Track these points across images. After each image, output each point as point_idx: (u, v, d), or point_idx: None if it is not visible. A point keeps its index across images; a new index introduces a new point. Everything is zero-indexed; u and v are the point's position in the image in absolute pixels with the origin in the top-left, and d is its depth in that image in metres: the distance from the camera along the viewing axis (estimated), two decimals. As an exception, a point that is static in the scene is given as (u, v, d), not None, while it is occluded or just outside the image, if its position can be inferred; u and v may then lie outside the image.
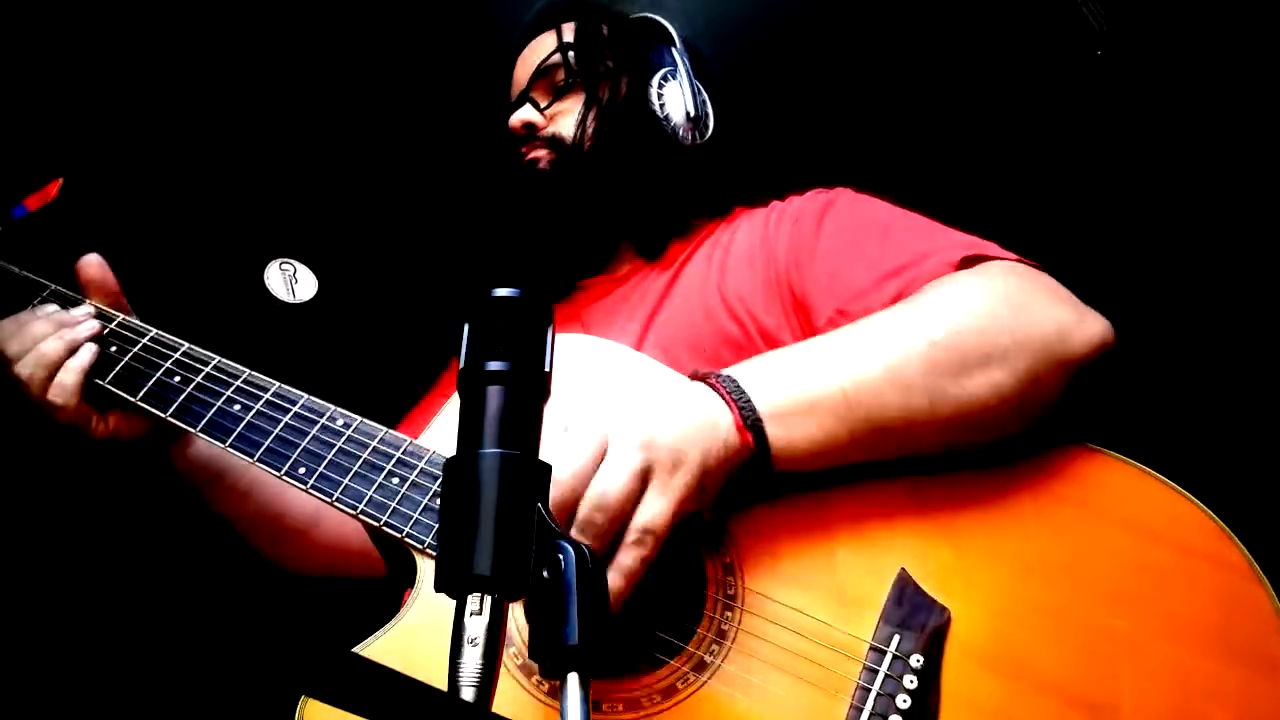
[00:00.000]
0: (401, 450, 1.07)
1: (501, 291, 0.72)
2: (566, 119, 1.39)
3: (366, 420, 1.10)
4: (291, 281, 1.36)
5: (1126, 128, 1.71)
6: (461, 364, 0.71)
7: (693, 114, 1.37)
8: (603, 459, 0.93)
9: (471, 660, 0.62)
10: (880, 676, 0.94)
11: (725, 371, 1.01)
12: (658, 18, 1.46)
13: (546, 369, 0.72)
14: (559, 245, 1.37)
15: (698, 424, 0.96)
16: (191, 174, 1.76)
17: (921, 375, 1.00)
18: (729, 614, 0.98)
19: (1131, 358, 1.09)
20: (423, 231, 1.75)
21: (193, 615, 1.50)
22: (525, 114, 1.40)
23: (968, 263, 1.10)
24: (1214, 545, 0.98)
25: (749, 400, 0.98)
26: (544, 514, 0.68)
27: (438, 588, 0.65)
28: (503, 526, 0.65)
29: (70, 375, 1.14)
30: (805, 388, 0.99)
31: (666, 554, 0.97)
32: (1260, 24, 1.62)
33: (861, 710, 0.93)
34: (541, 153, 1.39)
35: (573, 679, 0.64)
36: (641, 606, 0.99)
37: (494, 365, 0.70)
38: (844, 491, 1.02)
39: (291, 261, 1.35)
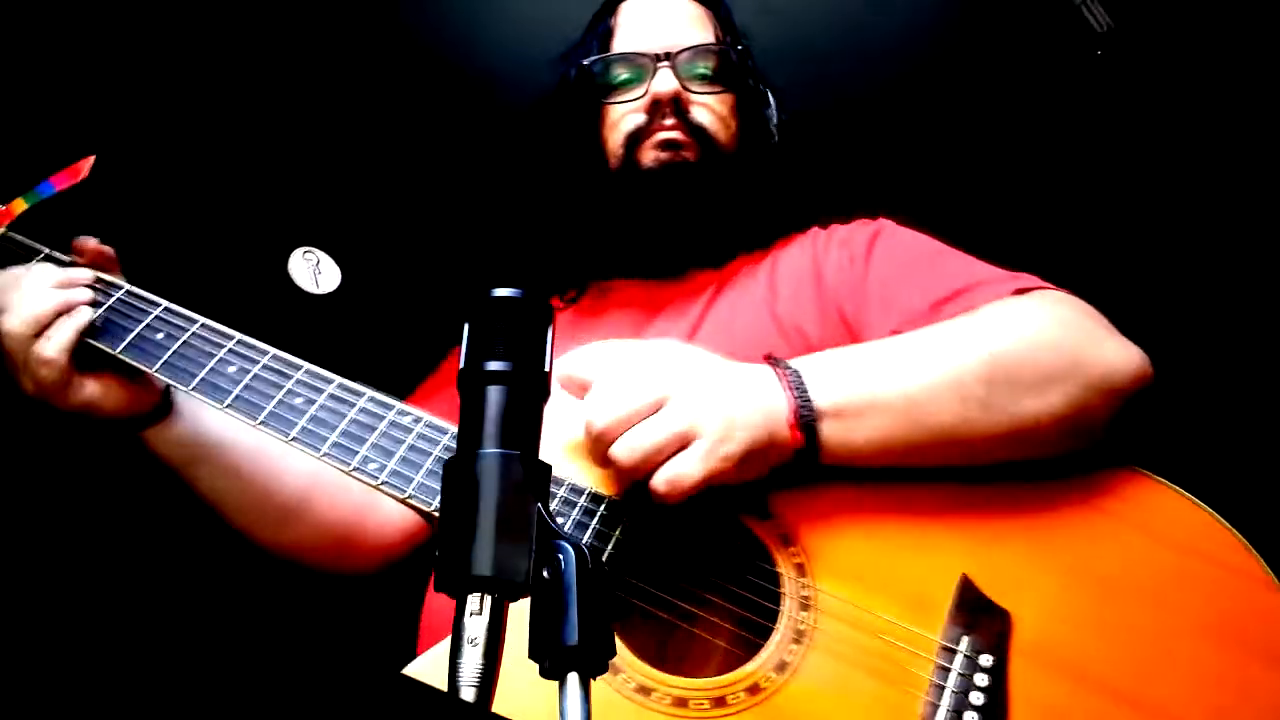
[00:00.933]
0: (449, 436, 1.08)
1: (501, 291, 0.72)
2: (710, 113, 1.37)
3: (408, 405, 1.10)
4: (315, 271, 1.35)
5: (1127, 128, 1.71)
6: (462, 364, 0.71)
7: (775, 118, 1.43)
8: (655, 412, 0.97)
9: (471, 660, 0.62)
10: (954, 674, 0.98)
11: (792, 363, 1.05)
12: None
13: (546, 369, 0.72)
14: (677, 237, 1.36)
15: (754, 410, 1.00)
16: (216, 161, 1.76)
17: (981, 386, 1.04)
18: (804, 614, 1.01)
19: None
20: (448, 220, 1.76)
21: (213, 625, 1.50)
22: (674, 86, 1.35)
23: (1019, 293, 1.14)
24: (1231, 555, 1.04)
25: (808, 397, 1.02)
26: (544, 514, 0.67)
27: (438, 588, 0.65)
28: (503, 527, 0.65)
29: (66, 331, 1.11)
30: (867, 387, 1.03)
31: (740, 559, 1.03)
32: (1260, 24, 1.62)
33: (938, 707, 0.96)
34: (682, 137, 1.35)
35: (573, 679, 0.63)
36: (717, 604, 1.04)
37: (494, 365, 0.70)
38: (899, 493, 1.07)
39: (314, 250, 1.34)
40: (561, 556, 0.68)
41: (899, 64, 1.78)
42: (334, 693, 0.57)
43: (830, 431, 1.02)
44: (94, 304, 1.16)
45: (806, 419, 1.01)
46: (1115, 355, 1.08)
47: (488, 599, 0.64)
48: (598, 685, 0.93)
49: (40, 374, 1.12)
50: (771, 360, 1.06)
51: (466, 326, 0.72)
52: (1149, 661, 0.99)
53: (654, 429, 0.97)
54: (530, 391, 0.71)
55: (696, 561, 1.06)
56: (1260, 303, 1.63)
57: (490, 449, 0.67)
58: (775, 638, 1.00)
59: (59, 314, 1.12)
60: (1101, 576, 1.03)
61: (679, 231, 1.35)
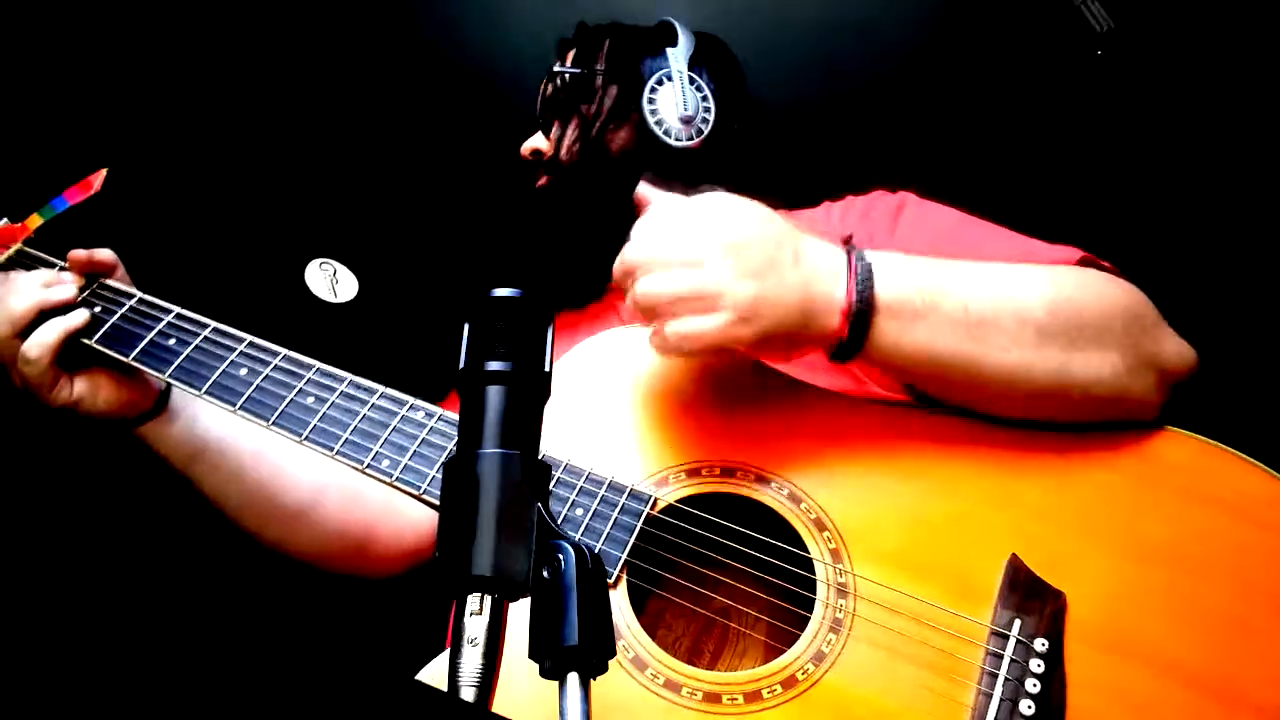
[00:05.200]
0: (436, 418, 1.07)
1: (501, 291, 0.72)
2: (566, 141, 1.44)
3: (425, 403, 1.10)
4: (333, 281, 1.35)
5: (1127, 128, 1.71)
6: (462, 364, 0.71)
7: (686, 113, 1.38)
8: (687, 267, 0.95)
9: (471, 660, 0.62)
10: (1006, 660, 0.93)
11: (866, 254, 1.01)
12: (672, 20, 1.47)
13: (546, 369, 0.72)
14: (567, 255, 1.40)
15: (795, 292, 0.97)
16: (231, 172, 1.76)
17: (1043, 320, 1.00)
18: (842, 602, 0.97)
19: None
20: (458, 231, 1.76)
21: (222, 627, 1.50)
22: (532, 141, 1.46)
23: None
24: None
25: (871, 290, 0.98)
26: (544, 514, 0.67)
27: (438, 588, 0.65)
28: (503, 527, 0.65)
29: (50, 332, 1.12)
30: (933, 289, 0.99)
31: (772, 544, 0.99)
32: (1260, 24, 1.62)
33: (991, 696, 0.92)
34: (542, 177, 1.44)
35: (573, 679, 0.63)
36: (750, 593, 1.00)
37: (494, 365, 0.70)
38: (934, 471, 1.03)
39: (331, 261, 1.35)
40: (561, 556, 0.68)
41: (899, 64, 1.78)
42: (344, 694, 0.57)
43: (883, 328, 0.98)
44: (102, 310, 1.17)
45: (862, 312, 0.97)
46: (1171, 341, 1.07)
47: (488, 599, 0.64)
48: (625, 682, 0.93)
49: (23, 371, 1.13)
50: (848, 245, 1.02)
51: (467, 326, 0.72)
52: (1224, 641, 0.93)
53: (679, 279, 0.95)
54: (530, 391, 0.71)
55: (725, 550, 1.02)
56: (1261, 303, 1.63)
57: (490, 449, 0.67)
58: (812, 627, 0.96)
59: (39, 311, 1.13)
60: (1160, 548, 0.98)
61: (562, 248, 1.42)
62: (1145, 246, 1.66)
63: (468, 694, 0.61)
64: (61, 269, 1.22)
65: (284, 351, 1.14)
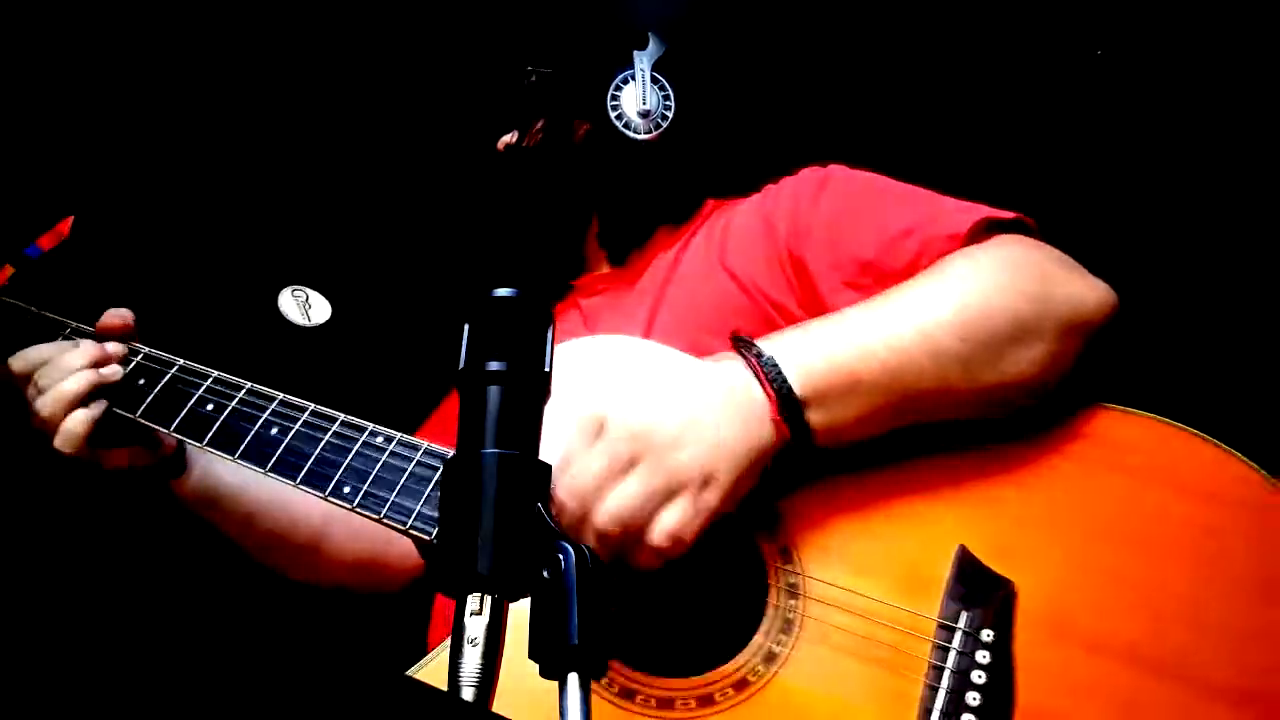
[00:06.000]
0: (394, 443, 1.07)
1: (501, 292, 0.72)
2: (533, 129, 1.49)
3: (406, 435, 1.09)
4: (305, 306, 1.37)
5: (1127, 128, 1.71)
6: (461, 364, 0.71)
7: (645, 108, 1.42)
8: (627, 472, 0.93)
9: (471, 660, 0.62)
10: (953, 653, 0.94)
11: (762, 345, 1.00)
12: (645, 30, 1.53)
13: (546, 369, 0.72)
14: (526, 239, 1.45)
15: (730, 428, 0.96)
16: (201, 203, 1.76)
17: (955, 342, 1.00)
18: (793, 602, 0.97)
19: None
20: (429, 243, 1.77)
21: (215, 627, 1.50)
22: (507, 137, 1.51)
23: (975, 232, 1.11)
24: (1258, 494, 0.98)
25: (786, 384, 0.97)
26: (544, 514, 0.68)
27: (438, 588, 0.65)
28: (503, 527, 0.65)
29: (78, 424, 1.14)
30: (846, 364, 0.99)
31: (722, 547, 0.98)
32: (1260, 24, 1.62)
33: (937, 689, 0.93)
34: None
35: (573, 679, 0.63)
36: (704, 600, 1.01)
37: (494, 365, 0.70)
38: (884, 469, 1.03)
39: (303, 288, 1.37)
40: (561, 556, 0.68)
41: (898, 64, 1.78)
42: (344, 693, 0.57)
43: (817, 419, 0.98)
44: (145, 383, 1.18)
45: (788, 407, 0.96)
46: (1081, 291, 1.06)
47: (488, 599, 0.64)
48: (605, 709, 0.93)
49: (59, 449, 1.15)
50: (740, 346, 1.01)
51: (466, 327, 0.72)
52: (1175, 621, 0.93)
53: (633, 491, 0.92)
54: (530, 392, 0.71)
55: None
56: (1261, 302, 1.63)
57: (490, 449, 0.67)
58: (763, 628, 0.97)
59: (92, 391, 1.15)
60: (1107, 531, 0.98)
61: (520, 231, 1.47)
62: (1145, 246, 1.67)
63: (468, 694, 0.61)
64: (37, 315, 1.23)
65: (248, 384, 1.15)
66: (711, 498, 0.94)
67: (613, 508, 0.93)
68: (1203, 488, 0.99)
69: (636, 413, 0.95)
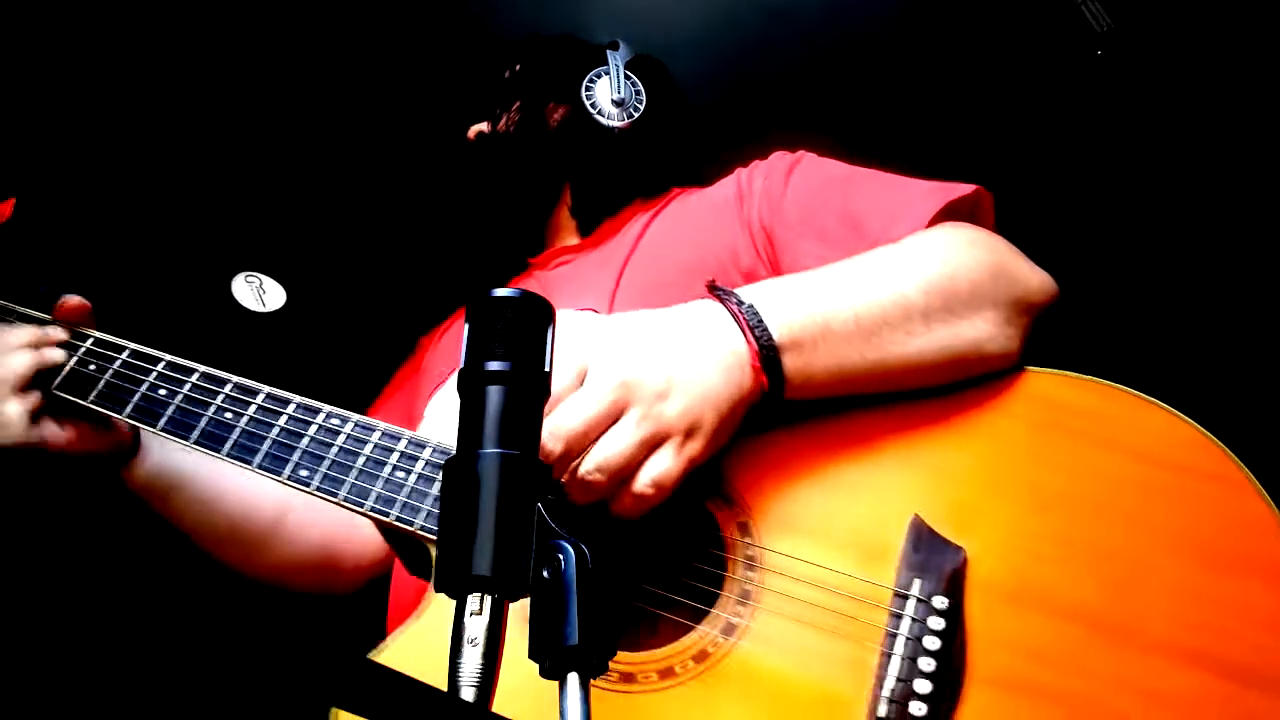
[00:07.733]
0: (403, 443, 1.06)
1: (501, 291, 0.72)
2: (507, 115, 1.54)
3: (363, 417, 1.09)
4: (259, 292, 1.37)
5: (1126, 128, 1.71)
6: (462, 364, 0.71)
7: (619, 97, 1.50)
8: (615, 419, 0.93)
9: (471, 660, 0.62)
10: (906, 620, 0.95)
11: (741, 294, 1.01)
12: (616, 39, 1.60)
13: (546, 369, 0.72)
14: (485, 220, 1.52)
15: (715, 376, 0.96)
16: (151, 186, 1.74)
17: (921, 302, 1.03)
18: (750, 574, 0.98)
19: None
20: (383, 228, 1.77)
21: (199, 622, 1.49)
22: (478, 125, 1.54)
23: (936, 220, 1.14)
24: (1206, 460, 0.99)
25: (768, 333, 0.97)
26: (544, 514, 0.68)
27: (438, 588, 0.65)
28: (503, 526, 0.65)
29: (16, 413, 1.11)
30: (820, 313, 1.00)
31: (679, 520, 0.99)
32: (1260, 24, 1.62)
33: (891, 656, 0.93)
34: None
35: (573, 679, 0.64)
36: (662, 572, 1.00)
37: (494, 365, 0.70)
38: (843, 439, 1.03)
39: (256, 274, 1.36)
40: (561, 556, 0.68)
41: (898, 64, 1.78)
42: (344, 693, 0.57)
43: (792, 365, 0.98)
44: (95, 368, 1.15)
45: (769, 357, 0.97)
46: (1029, 274, 1.12)
47: (488, 599, 0.64)
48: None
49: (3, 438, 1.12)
50: (718, 292, 1.02)
51: (466, 327, 0.72)
52: (1125, 581, 0.94)
53: (624, 440, 0.92)
54: (530, 391, 0.71)
55: (632, 532, 1.00)
56: (1261, 302, 1.63)
57: (490, 449, 0.67)
58: (721, 600, 0.98)
59: (37, 373, 1.12)
60: (1058, 495, 0.99)
61: (487, 210, 1.54)
62: (1145, 246, 1.67)
63: (468, 694, 0.62)
64: (9, 313, 1.19)
65: (201, 368, 1.13)
66: (695, 447, 0.95)
67: (600, 457, 0.92)
68: (1150, 451, 1.00)
69: (622, 360, 0.95)
